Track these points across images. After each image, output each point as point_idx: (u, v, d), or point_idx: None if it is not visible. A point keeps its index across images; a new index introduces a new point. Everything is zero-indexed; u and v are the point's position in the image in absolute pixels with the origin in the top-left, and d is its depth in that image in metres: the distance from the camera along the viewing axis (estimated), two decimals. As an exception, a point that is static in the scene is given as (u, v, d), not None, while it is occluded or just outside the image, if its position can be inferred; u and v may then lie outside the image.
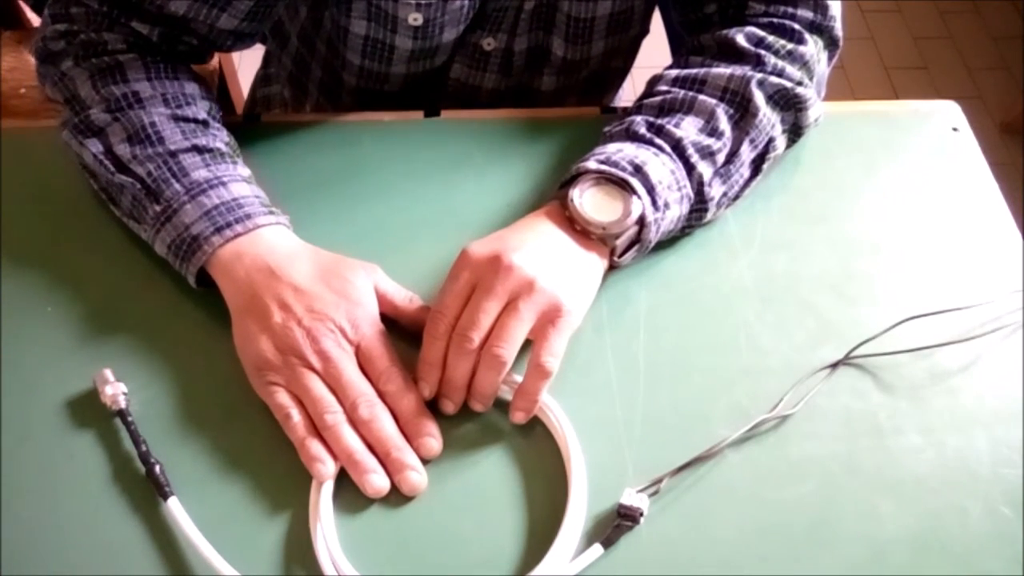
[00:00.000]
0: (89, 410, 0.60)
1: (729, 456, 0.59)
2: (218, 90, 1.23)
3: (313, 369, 0.58)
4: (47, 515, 0.56)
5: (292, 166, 0.74)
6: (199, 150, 0.66)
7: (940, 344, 0.64)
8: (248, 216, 0.63)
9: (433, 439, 0.58)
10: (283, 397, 0.58)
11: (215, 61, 1.22)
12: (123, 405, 0.59)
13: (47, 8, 0.72)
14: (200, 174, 0.64)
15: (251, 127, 0.78)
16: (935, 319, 0.65)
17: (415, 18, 0.75)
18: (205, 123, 0.68)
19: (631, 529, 0.55)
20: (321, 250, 0.64)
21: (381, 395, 0.59)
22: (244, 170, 0.67)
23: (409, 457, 0.57)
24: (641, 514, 0.55)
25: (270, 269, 0.61)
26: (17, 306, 0.65)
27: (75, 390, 0.61)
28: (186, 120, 0.67)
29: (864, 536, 0.56)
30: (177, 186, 0.63)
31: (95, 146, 0.67)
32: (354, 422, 0.57)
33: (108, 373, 0.60)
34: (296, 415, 0.57)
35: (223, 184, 0.64)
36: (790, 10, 0.73)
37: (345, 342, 0.59)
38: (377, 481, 0.56)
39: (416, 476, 0.56)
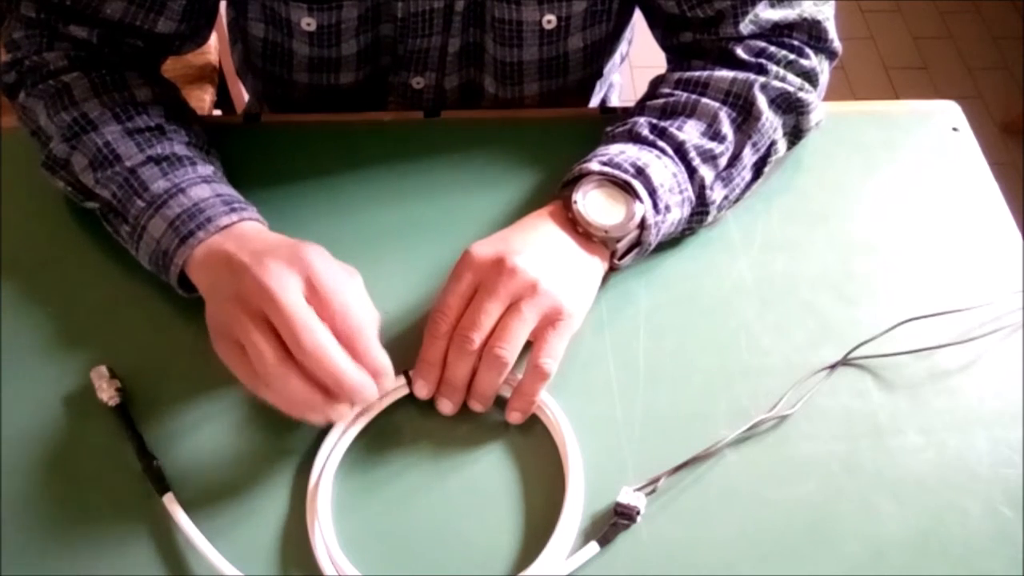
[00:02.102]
0: (87, 407, 0.60)
1: (728, 456, 0.59)
2: (218, 90, 1.23)
3: (260, 315, 0.54)
4: (45, 511, 0.56)
5: (292, 166, 0.74)
6: (156, 160, 0.64)
7: (940, 345, 0.64)
8: (209, 219, 0.61)
9: (388, 379, 0.55)
10: (245, 363, 0.54)
11: (215, 59, 1.22)
12: (120, 401, 0.59)
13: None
14: (159, 185, 0.63)
15: (251, 127, 0.78)
16: (935, 319, 0.65)
17: (308, 23, 0.74)
18: (160, 128, 0.67)
19: (628, 528, 0.55)
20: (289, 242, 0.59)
21: (335, 335, 0.54)
22: (206, 168, 0.66)
23: (360, 378, 0.53)
24: (638, 513, 0.55)
25: (236, 246, 0.59)
26: (17, 305, 0.65)
27: (73, 387, 0.61)
28: (139, 131, 0.66)
29: (864, 536, 0.56)
30: (140, 202, 0.63)
31: (64, 178, 0.67)
32: (297, 359, 0.53)
33: (104, 370, 0.60)
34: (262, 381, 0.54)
35: (182, 191, 0.63)
36: (787, 40, 0.73)
37: (292, 276, 0.54)
38: (338, 411, 0.54)
39: (372, 390, 0.54)
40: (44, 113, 0.68)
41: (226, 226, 0.61)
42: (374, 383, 0.54)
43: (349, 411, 0.56)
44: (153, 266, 0.63)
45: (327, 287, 0.55)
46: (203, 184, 0.64)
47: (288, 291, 0.54)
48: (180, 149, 0.66)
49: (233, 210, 0.63)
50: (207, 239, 0.61)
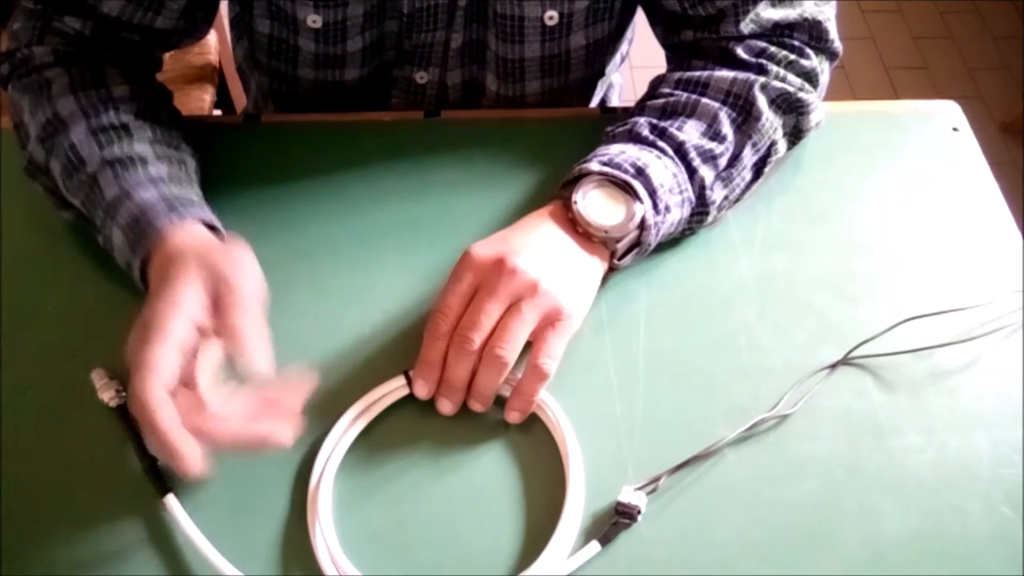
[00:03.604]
0: (87, 407, 0.60)
1: (728, 455, 0.59)
2: (218, 90, 1.23)
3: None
4: (45, 511, 0.56)
5: (292, 166, 0.74)
6: (111, 163, 0.63)
7: (940, 344, 0.64)
8: (150, 224, 0.59)
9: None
10: None
11: (215, 60, 1.22)
12: (120, 402, 0.59)
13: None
14: (111, 192, 0.62)
15: (251, 127, 0.78)
16: (935, 319, 0.65)
17: (314, 20, 0.75)
18: (124, 127, 0.66)
19: (629, 527, 0.55)
20: (202, 247, 0.58)
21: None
22: (158, 167, 0.64)
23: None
24: (639, 512, 0.55)
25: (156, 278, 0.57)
26: (17, 305, 0.65)
27: (73, 387, 0.61)
28: (103, 130, 0.65)
29: (864, 536, 0.56)
30: (100, 212, 0.62)
31: (45, 184, 0.67)
32: None
33: (104, 370, 0.60)
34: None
35: (128, 196, 0.61)
36: (787, 40, 0.73)
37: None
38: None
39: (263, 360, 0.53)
40: (27, 109, 0.68)
41: (164, 228, 0.59)
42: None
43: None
44: (132, 275, 0.62)
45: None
46: (147, 185, 0.62)
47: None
48: (138, 148, 0.65)
49: (172, 210, 0.60)
50: (155, 246, 0.59)
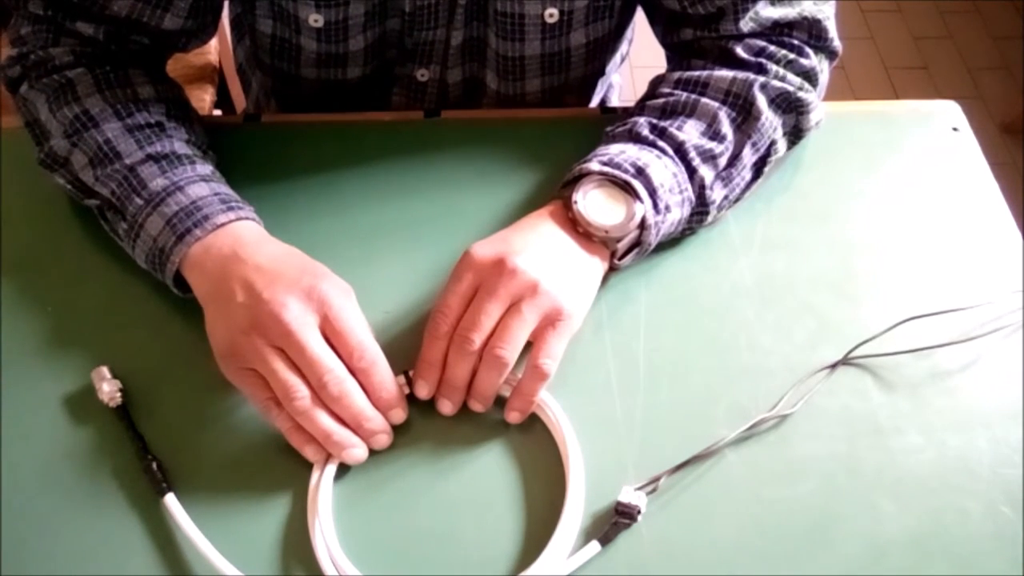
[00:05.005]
0: (87, 407, 0.60)
1: (728, 455, 0.59)
2: (218, 90, 1.23)
3: (276, 346, 0.57)
4: (45, 512, 0.56)
5: (292, 166, 0.74)
6: (155, 158, 0.65)
7: (940, 345, 0.64)
8: (206, 218, 0.62)
9: (401, 409, 0.59)
10: (257, 386, 0.57)
11: (215, 60, 1.22)
12: (120, 402, 0.59)
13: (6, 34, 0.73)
14: (158, 183, 0.63)
15: (251, 127, 0.78)
16: (935, 319, 0.65)
17: (316, 19, 0.75)
18: (160, 126, 0.67)
19: (629, 527, 0.55)
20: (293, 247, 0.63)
21: (351, 371, 0.57)
22: (204, 167, 0.66)
23: (379, 424, 0.58)
24: (639, 512, 0.55)
25: (235, 254, 0.60)
26: (17, 305, 0.65)
27: (73, 387, 0.61)
28: (139, 128, 0.66)
29: (864, 536, 0.56)
30: (138, 200, 0.63)
31: (64, 176, 0.67)
32: (323, 400, 0.56)
33: (105, 370, 0.60)
34: (274, 404, 0.57)
35: (180, 189, 0.63)
36: (787, 39, 0.73)
37: (309, 314, 0.57)
38: (357, 454, 0.57)
39: (386, 438, 0.58)
40: (46, 107, 0.68)
41: (222, 224, 0.62)
42: (391, 431, 0.58)
43: (363, 454, 0.57)
44: (149, 264, 0.64)
45: (344, 325, 0.58)
46: (201, 183, 0.64)
47: (310, 334, 0.57)
48: (180, 147, 0.66)
49: (230, 208, 0.63)
50: (204, 237, 0.61)
